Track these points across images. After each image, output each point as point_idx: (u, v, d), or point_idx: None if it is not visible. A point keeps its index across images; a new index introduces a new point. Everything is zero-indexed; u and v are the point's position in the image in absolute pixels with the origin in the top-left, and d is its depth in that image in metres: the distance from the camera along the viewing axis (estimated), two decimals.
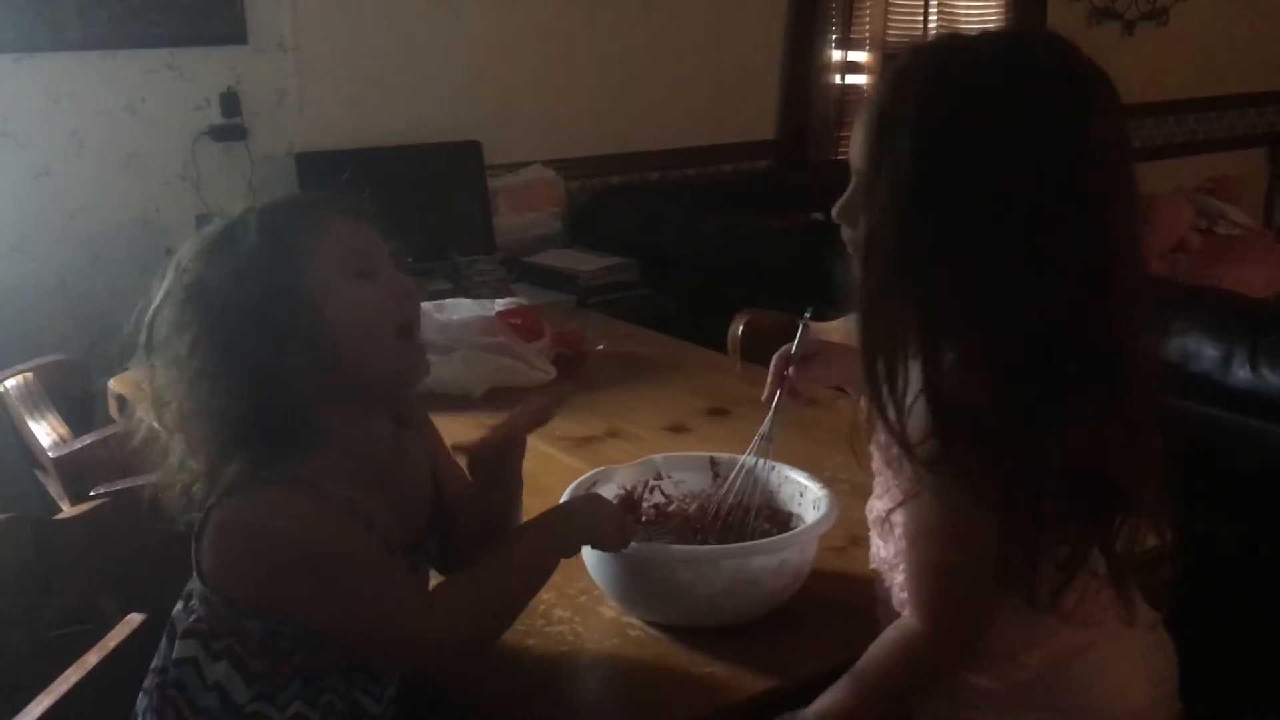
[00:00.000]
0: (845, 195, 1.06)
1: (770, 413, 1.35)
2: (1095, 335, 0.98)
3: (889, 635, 1.11)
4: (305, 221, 1.08)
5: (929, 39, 1.15)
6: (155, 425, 1.07)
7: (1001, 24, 4.46)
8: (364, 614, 1.02)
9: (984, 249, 0.97)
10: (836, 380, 1.42)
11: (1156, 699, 1.15)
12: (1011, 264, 0.96)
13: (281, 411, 1.04)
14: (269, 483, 1.03)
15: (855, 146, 1.04)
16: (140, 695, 1.12)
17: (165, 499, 1.08)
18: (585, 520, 1.16)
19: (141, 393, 1.09)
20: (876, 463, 1.17)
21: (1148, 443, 1.03)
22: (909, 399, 1.01)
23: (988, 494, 0.99)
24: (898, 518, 1.10)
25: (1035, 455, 0.98)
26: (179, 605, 1.10)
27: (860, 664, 1.10)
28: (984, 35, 1.05)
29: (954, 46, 1.04)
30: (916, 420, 1.00)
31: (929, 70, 1.00)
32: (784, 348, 1.37)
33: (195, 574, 1.06)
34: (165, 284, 1.07)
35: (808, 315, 1.38)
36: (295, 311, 1.04)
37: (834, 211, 1.07)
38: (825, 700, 1.10)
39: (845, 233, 1.07)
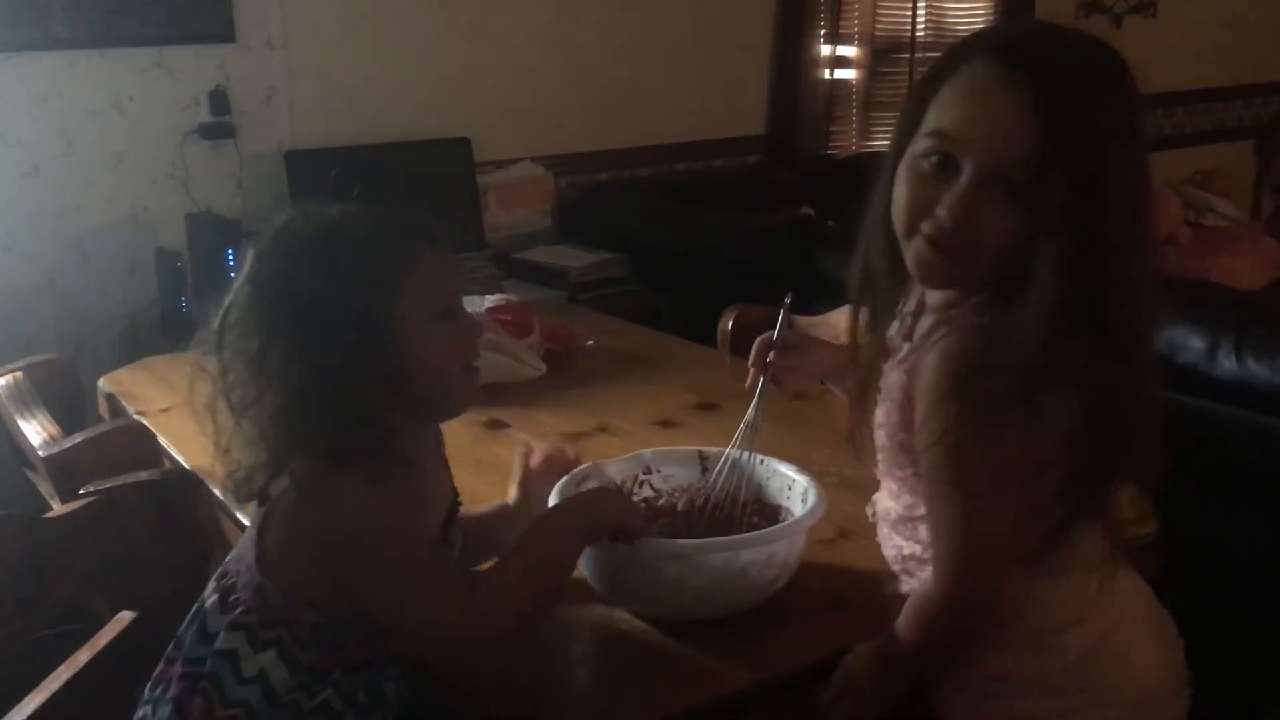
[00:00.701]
0: (974, 194, 1.04)
1: (754, 401, 1.35)
2: (1138, 298, 1.05)
3: (912, 601, 1.13)
4: (404, 252, 1.10)
5: (1041, 26, 1.18)
6: (217, 412, 1.08)
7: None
8: (420, 604, 1.05)
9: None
10: (816, 372, 1.41)
11: (1174, 674, 1.18)
12: (1125, 229, 1.03)
13: (348, 416, 1.06)
14: (339, 477, 1.05)
15: (1021, 142, 1.01)
16: (151, 686, 1.13)
17: (222, 484, 1.11)
18: (608, 509, 1.19)
19: (201, 375, 1.10)
20: (883, 465, 1.18)
21: (1148, 406, 1.07)
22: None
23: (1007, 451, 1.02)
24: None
25: (1059, 411, 1.03)
26: (213, 599, 1.11)
27: (889, 631, 1.13)
28: (1076, 30, 1.08)
29: (1080, 40, 1.08)
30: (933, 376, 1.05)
31: (1090, 66, 1.05)
32: (765, 335, 1.38)
33: (255, 564, 1.08)
34: (245, 272, 1.09)
35: (788, 301, 1.38)
36: (378, 340, 1.07)
37: (954, 212, 1.04)
38: (864, 649, 1.13)
39: (951, 229, 1.05)
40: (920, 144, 1.07)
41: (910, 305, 1.20)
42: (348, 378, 1.05)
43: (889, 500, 1.21)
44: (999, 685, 1.14)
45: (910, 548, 1.18)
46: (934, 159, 1.06)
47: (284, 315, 1.06)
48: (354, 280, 1.06)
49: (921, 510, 1.14)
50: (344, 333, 1.05)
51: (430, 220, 1.14)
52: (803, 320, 2.26)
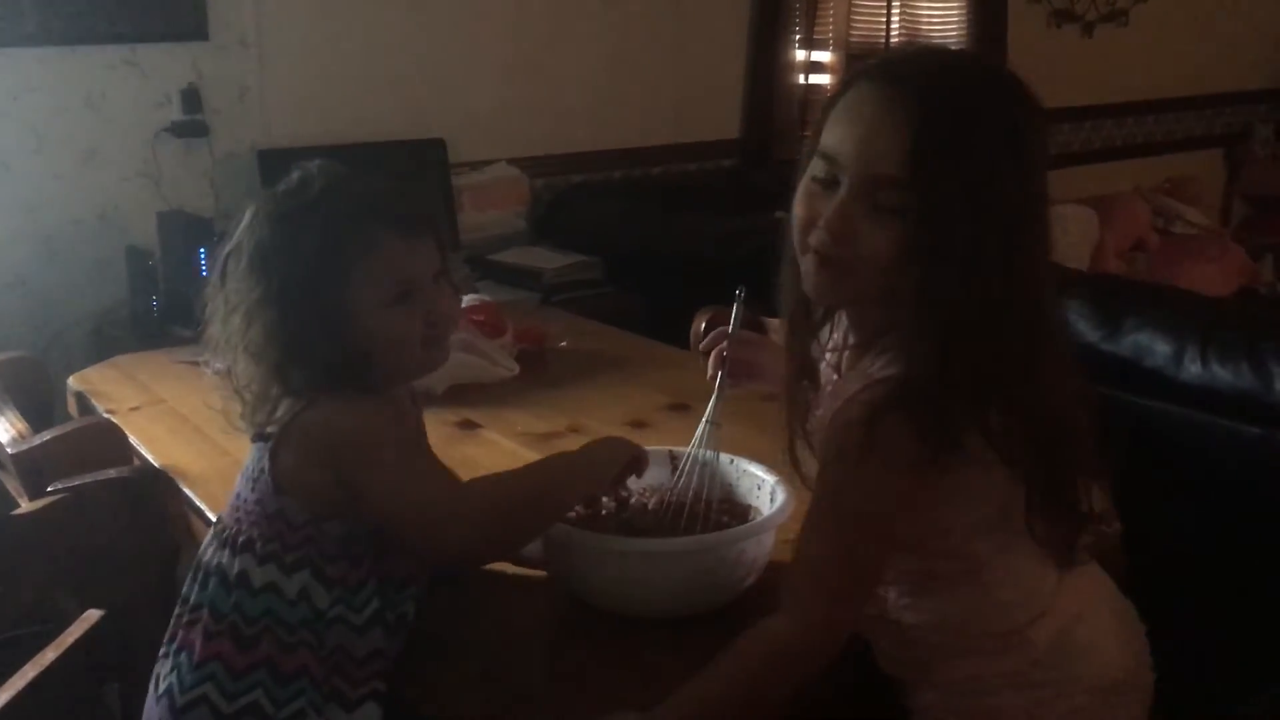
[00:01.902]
0: (850, 208, 1.06)
1: (713, 398, 1.35)
2: (1016, 318, 1.05)
3: (748, 643, 1.09)
4: (362, 239, 1.14)
5: (928, 49, 1.20)
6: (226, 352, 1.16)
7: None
8: (415, 483, 1.12)
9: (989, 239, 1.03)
10: (765, 375, 1.40)
11: (1137, 668, 1.21)
12: (996, 246, 1.03)
13: (315, 370, 1.14)
14: (336, 392, 1.13)
15: (890, 157, 1.03)
16: (168, 643, 1.15)
17: (234, 412, 1.18)
18: (616, 449, 1.24)
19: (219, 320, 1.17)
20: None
21: (1068, 412, 1.09)
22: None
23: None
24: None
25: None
26: (222, 553, 1.15)
27: (714, 667, 1.08)
28: (966, 53, 1.10)
29: (964, 61, 1.13)
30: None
31: (969, 85, 1.06)
32: (720, 328, 1.39)
33: (269, 490, 1.13)
34: (242, 226, 1.15)
35: (740, 293, 1.38)
36: (335, 319, 1.13)
37: (830, 225, 1.06)
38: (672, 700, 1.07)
39: (829, 242, 1.07)
40: (810, 165, 1.10)
41: (837, 338, 1.22)
42: (308, 347, 1.12)
43: None
44: (970, 684, 1.16)
45: None
46: (820, 177, 1.08)
47: (256, 278, 1.13)
48: (311, 265, 1.12)
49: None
50: (302, 310, 1.12)
51: (400, 201, 1.18)
52: (770, 322, 2.27)
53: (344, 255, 1.13)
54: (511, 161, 3.46)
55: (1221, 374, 1.92)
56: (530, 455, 1.70)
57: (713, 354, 1.39)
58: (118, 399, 1.97)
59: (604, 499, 1.38)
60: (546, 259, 3.17)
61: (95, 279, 2.86)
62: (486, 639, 1.23)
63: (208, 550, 1.17)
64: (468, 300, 2.23)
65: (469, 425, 1.84)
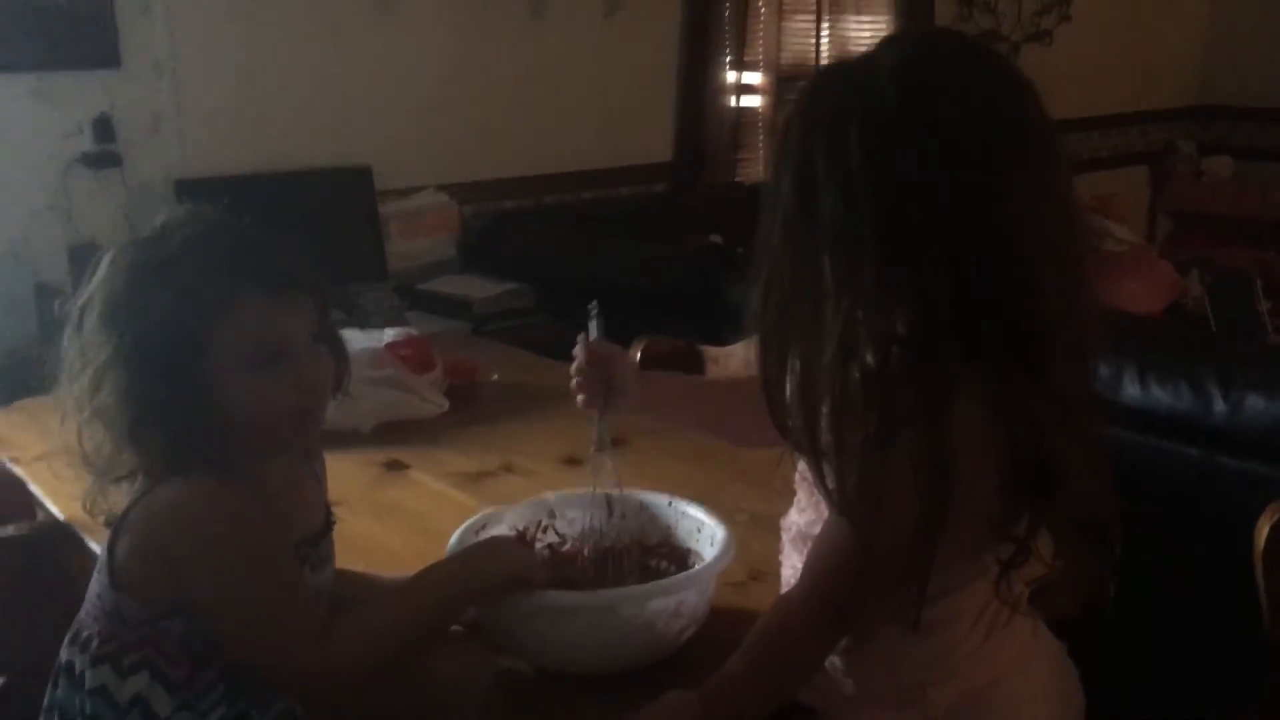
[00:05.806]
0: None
1: (595, 429, 1.30)
2: (1010, 313, 0.97)
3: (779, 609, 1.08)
4: (219, 297, 1.05)
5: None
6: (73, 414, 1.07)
7: None
8: (266, 625, 1.03)
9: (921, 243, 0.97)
10: (627, 395, 1.34)
11: None
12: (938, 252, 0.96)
13: (172, 437, 1.04)
14: (180, 479, 1.04)
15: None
16: None
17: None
18: (501, 565, 1.15)
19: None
20: (799, 476, 1.14)
21: (1079, 427, 1.02)
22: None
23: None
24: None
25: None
26: (66, 649, 1.08)
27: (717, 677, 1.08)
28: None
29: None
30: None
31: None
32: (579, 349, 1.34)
33: (107, 585, 1.05)
34: (101, 272, 1.07)
35: (593, 309, 1.38)
36: (189, 384, 1.04)
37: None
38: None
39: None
40: None
41: None
42: (157, 415, 1.03)
43: (795, 513, 1.17)
44: None
45: None
46: None
47: (105, 334, 1.04)
48: (164, 324, 1.03)
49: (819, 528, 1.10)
50: (152, 372, 1.03)
51: (270, 256, 1.08)
52: (711, 350, 2.23)
53: (200, 314, 1.04)
54: (440, 188, 3.40)
55: (1160, 396, 1.91)
56: (461, 496, 1.64)
57: (571, 384, 1.33)
58: (22, 446, 1.86)
59: (537, 547, 1.33)
60: (477, 287, 3.12)
61: (3, 318, 2.73)
62: (410, 700, 1.16)
63: (63, 645, 1.09)
64: (393, 334, 2.17)
65: (397, 466, 1.77)
